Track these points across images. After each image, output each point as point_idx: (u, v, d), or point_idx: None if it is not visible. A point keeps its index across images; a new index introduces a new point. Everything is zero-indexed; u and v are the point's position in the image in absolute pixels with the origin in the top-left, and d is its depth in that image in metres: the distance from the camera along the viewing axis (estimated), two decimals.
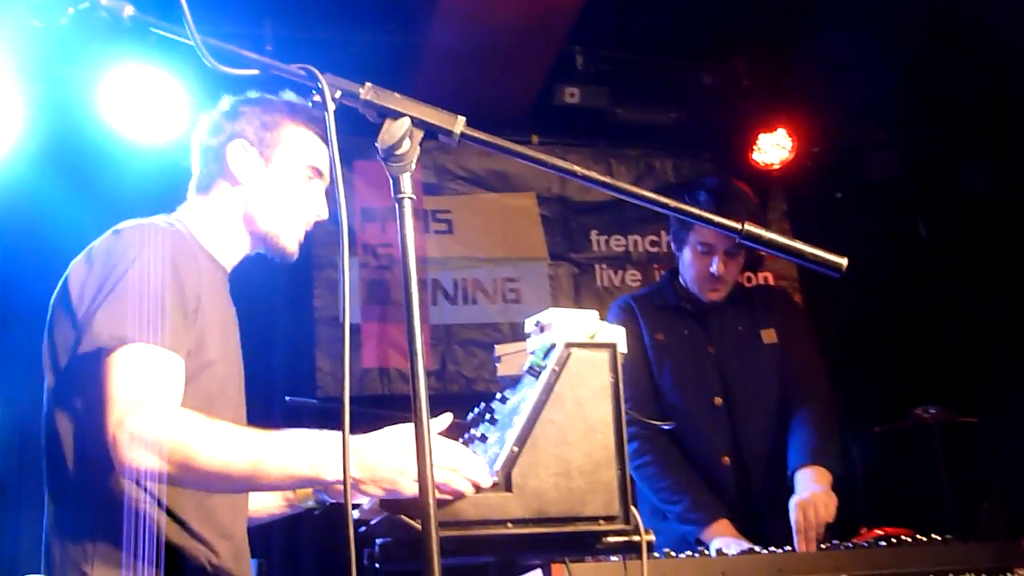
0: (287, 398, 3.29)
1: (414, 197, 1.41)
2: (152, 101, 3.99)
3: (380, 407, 4.13)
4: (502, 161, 4.87)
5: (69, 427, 1.85)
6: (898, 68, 5.01)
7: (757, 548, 2.21)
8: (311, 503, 2.18)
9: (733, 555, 2.15)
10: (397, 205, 1.39)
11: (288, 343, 4.54)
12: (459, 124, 1.44)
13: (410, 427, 1.54)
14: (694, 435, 2.82)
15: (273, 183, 2.08)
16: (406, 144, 1.40)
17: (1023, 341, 5.30)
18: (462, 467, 1.61)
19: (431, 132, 1.44)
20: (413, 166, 1.41)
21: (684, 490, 2.67)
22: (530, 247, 5.02)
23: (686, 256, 2.94)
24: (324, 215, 2.14)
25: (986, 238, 5.59)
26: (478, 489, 1.60)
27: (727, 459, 2.80)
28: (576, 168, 1.53)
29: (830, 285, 5.46)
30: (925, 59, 5.01)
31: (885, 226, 5.65)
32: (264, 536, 3.63)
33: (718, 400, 2.85)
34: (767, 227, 1.58)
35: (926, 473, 4.71)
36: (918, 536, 2.33)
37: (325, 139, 2.06)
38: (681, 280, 3.01)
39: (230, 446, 1.68)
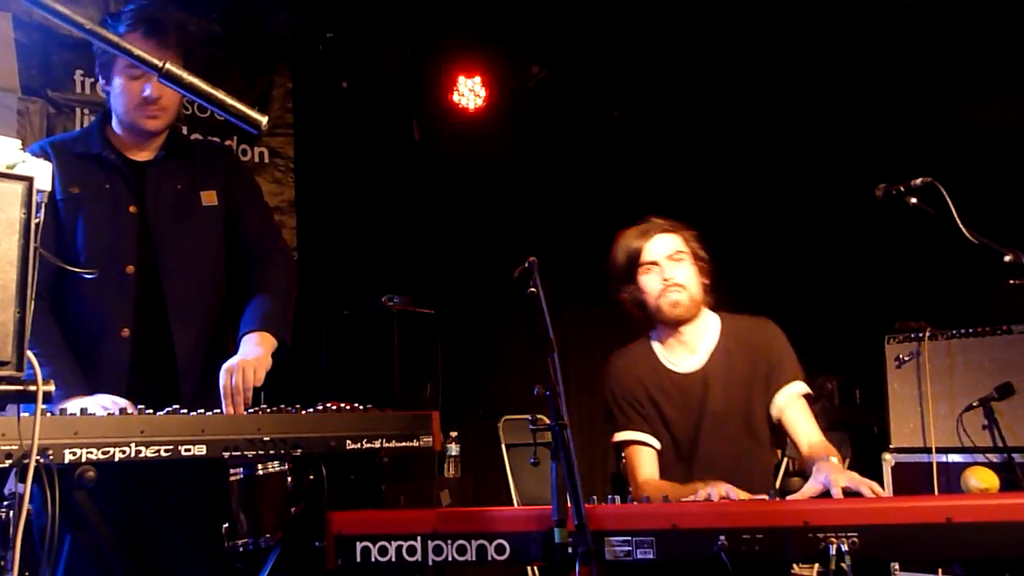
0: None
1: None
2: None
3: None
4: None
5: None
6: None
7: (183, 409, 2.19)
8: None
9: (158, 415, 2.11)
10: None
11: None
12: None
13: None
14: (95, 303, 2.57)
15: None
16: None
17: (476, 247, 5.95)
18: None
19: None
20: None
21: (48, 362, 2.44)
22: None
23: (116, 85, 2.64)
24: None
25: (472, 153, 6.12)
26: None
27: (127, 331, 2.58)
28: None
29: (323, 173, 5.60)
30: None
31: (383, 122, 5.91)
32: None
33: (129, 268, 2.62)
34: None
35: (384, 355, 5.11)
36: (343, 405, 2.50)
37: None
38: (114, 124, 2.71)
39: None
